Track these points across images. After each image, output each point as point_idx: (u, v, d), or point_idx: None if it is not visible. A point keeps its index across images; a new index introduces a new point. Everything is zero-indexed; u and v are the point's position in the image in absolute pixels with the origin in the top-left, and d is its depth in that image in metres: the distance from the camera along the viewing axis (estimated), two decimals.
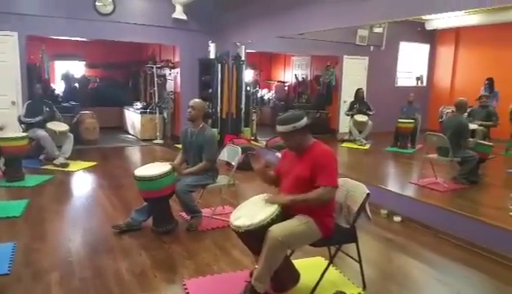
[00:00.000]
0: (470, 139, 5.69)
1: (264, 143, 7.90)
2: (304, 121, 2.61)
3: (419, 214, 4.34)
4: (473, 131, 6.16)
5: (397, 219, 4.43)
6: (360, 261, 2.83)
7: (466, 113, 6.40)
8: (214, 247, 3.61)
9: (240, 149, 4.27)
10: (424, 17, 7.99)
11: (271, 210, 2.50)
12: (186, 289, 2.84)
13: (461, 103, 5.79)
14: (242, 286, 2.62)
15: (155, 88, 9.60)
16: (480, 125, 6.73)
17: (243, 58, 8.19)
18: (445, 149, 5.50)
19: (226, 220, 2.70)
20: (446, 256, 3.61)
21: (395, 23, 8.11)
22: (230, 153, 4.36)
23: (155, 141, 9.21)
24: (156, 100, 9.59)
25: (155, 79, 9.53)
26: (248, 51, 8.28)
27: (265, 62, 12.30)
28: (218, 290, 2.87)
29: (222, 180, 4.17)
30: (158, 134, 9.33)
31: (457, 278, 3.23)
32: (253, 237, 2.47)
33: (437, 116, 8.03)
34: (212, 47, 8.41)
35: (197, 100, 4.14)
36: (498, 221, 3.87)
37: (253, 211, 2.56)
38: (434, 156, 5.77)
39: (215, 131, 7.64)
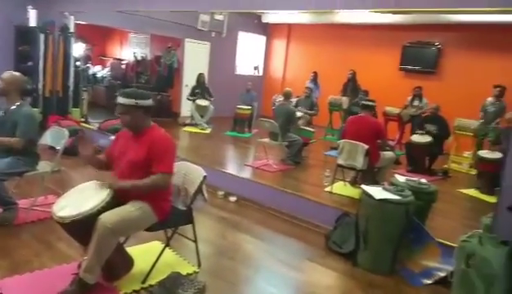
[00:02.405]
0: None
1: (97, 125, 7.31)
2: (149, 102, 2.54)
3: (252, 193, 4.70)
4: (299, 118, 6.95)
5: (233, 199, 4.71)
6: (196, 241, 2.94)
7: (294, 102, 7.18)
8: (35, 241, 3.22)
9: (66, 132, 3.83)
10: (261, 11, 8.54)
11: (100, 197, 2.38)
12: None
13: (287, 93, 6.51)
14: (68, 280, 2.44)
15: None
16: (305, 113, 7.64)
17: (71, 30, 7.31)
18: (276, 134, 6.06)
19: (50, 211, 2.44)
20: (273, 229, 4.03)
21: (235, 13, 8.51)
22: (54, 137, 3.84)
23: None
24: None
25: None
26: (78, 22, 7.42)
27: (99, 36, 11.23)
28: (39, 287, 2.57)
29: (44, 166, 3.65)
30: None
31: (281, 248, 3.65)
32: (82, 227, 2.32)
33: (270, 103, 8.75)
34: (32, 14, 7.18)
35: (9, 72, 3.48)
36: (315, 196, 4.51)
37: (80, 199, 2.40)
38: (267, 140, 6.31)
39: (36, 110, 6.60)
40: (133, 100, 2.46)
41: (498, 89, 6.62)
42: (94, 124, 7.49)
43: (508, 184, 2.84)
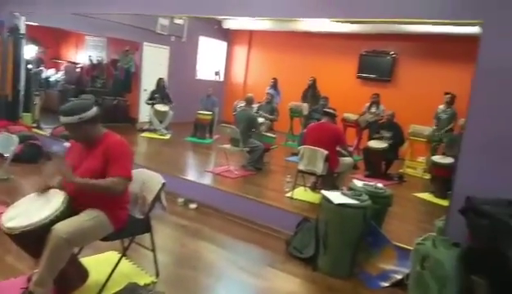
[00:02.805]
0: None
1: (50, 131, 6.97)
2: (93, 111, 2.41)
3: (212, 200, 4.65)
4: (261, 123, 6.97)
5: (193, 206, 4.63)
6: (154, 250, 2.86)
7: (255, 108, 7.20)
8: None
9: (16, 138, 3.66)
10: (219, 17, 8.53)
11: (54, 206, 2.26)
12: None
13: (249, 98, 6.51)
14: None
15: None
16: (265, 118, 7.67)
17: (22, 31, 6.98)
18: (237, 139, 6.04)
19: None
20: (233, 236, 3.99)
21: (195, 17, 8.45)
22: (3, 143, 3.70)
23: None
24: None
25: None
26: (29, 23, 7.07)
27: (52, 38, 10.76)
28: None
29: None
30: None
31: (241, 255, 3.62)
32: (33, 238, 2.19)
33: (231, 109, 8.72)
34: None
35: None
36: (276, 202, 4.53)
37: (32, 209, 2.28)
38: (228, 146, 6.28)
39: None
40: (76, 117, 2.33)
41: (449, 96, 6.94)
42: (47, 130, 7.16)
43: (459, 188, 2.98)
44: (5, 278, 2.71)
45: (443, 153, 6.02)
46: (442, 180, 5.42)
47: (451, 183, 3.14)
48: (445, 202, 4.68)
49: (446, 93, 6.98)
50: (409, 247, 2.99)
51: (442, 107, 7.07)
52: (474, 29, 3.64)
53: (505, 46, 2.83)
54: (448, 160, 5.55)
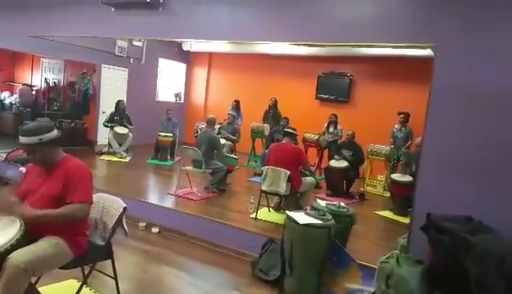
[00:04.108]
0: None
1: (4, 155, 6.67)
2: (54, 133, 2.37)
3: (175, 223, 4.55)
4: (223, 145, 6.96)
5: (155, 230, 4.52)
6: (115, 278, 2.75)
7: (216, 129, 7.19)
8: None
9: None
10: (178, 39, 8.57)
11: (9, 234, 2.16)
12: None
13: (211, 120, 6.51)
14: None
15: None
16: (227, 139, 7.67)
17: None
18: (199, 161, 5.99)
19: None
20: (197, 260, 3.92)
21: (154, 40, 8.44)
22: None
23: None
24: None
25: None
26: None
27: (6, 60, 10.42)
28: None
29: None
30: None
31: (206, 279, 3.55)
32: None
33: (193, 130, 8.67)
34: None
35: None
36: (240, 223, 4.50)
37: None
38: (190, 168, 6.20)
39: None
40: (36, 138, 2.29)
41: (402, 116, 7.24)
42: (1, 154, 6.80)
43: (419, 205, 3.08)
44: None
45: (402, 171, 6.22)
46: (401, 197, 5.58)
47: (410, 200, 3.24)
48: (405, 220, 4.85)
49: (400, 113, 7.28)
50: (373, 266, 3.03)
51: (397, 126, 7.35)
52: (426, 52, 3.87)
53: (458, 67, 2.99)
54: (407, 178, 5.73)
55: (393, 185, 5.94)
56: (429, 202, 2.95)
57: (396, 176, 6.03)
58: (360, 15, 3.56)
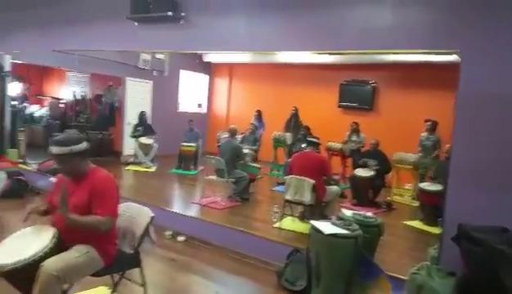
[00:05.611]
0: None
1: (36, 166, 6.93)
2: (84, 145, 2.44)
3: (200, 232, 4.58)
4: (245, 154, 6.98)
5: (181, 238, 4.56)
6: (144, 285, 2.78)
7: (239, 139, 7.23)
8: None
9: (3, 175, 3.62)
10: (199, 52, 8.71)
11: (43, 243, 2.22)
12: None
13: (233, 130, 6.56)
14: None
15: None
16: (250, 149, 7.69)
17: (7, 69, 7.08)
18: (222, 170, 6.02)
19: None
20: (223, 269, 3.92)
21: (176, 52, 8.60)
22: None
23: None
24: None
25: None
26: (14, 61, 7.19)
27: (36, 75, 10.84)
28: None
29: None
30: None
31: (232, 288, 3.55)
32: (22, 275, 2.14)
33: (215, 140, 8.74)
34: None
35: None
36: (264, 233, 4.49)
37: (21, 245, 2.23)
38: (213, 177, 6.24)
39: None
40: (67, 148, 2.36)
41: (429, 123, 7.02)
42: (33, 165, 7.08)
43: (450, 214, 2.98)
44: None
45: (431, 179, 6.01)
46: (430, 207, 5.40)
47: (440, 210, 3.15)
48: (435, 230, 4.69)
49: (427, 120, 7.10)
50: (403, 277, 2.96)
51: (425, 134, 7.12)
52: (452, 58, 3.79)
53: (484, 72, 2.93)
54: (436, 187, 5.50)
55: (422, 194, 5.77)
56: (461, 211, 2.86)
57: (424, 185, 5.84)
58: (379, 23, 3.54)
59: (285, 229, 4.85)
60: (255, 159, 7.80)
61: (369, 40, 3.58)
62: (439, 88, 7.43)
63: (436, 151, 6.86)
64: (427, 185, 5.81)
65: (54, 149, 2.37)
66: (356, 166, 7.02)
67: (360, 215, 3.74)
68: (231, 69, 11.51)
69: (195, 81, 11.57)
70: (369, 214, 3.81)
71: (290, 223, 5.10)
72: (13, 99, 7.52)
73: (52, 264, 2.16)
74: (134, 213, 2.80)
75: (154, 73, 9.88)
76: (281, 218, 5.01)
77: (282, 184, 5.46)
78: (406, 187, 7.20)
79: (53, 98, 10.92)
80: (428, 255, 3.11)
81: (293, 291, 3.43)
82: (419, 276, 2.62)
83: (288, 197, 5.01)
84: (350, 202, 6.34)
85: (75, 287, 2.73)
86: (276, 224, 4.95)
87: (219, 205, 5.80)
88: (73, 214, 2.30)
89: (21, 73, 8.33)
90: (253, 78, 11.10)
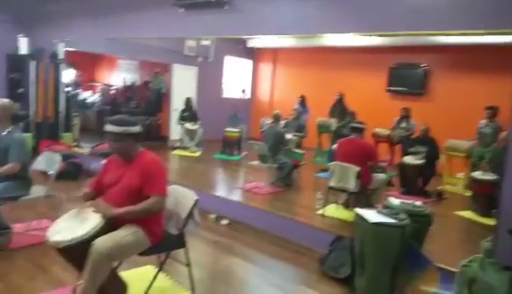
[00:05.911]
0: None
1: (89, 149, 7.29)
2: (138, 128, 2.55)
3: (244, 216, 4.63)
4: (289, 140, 6.93)
5: (225, 222, 4.63)
6: (189, 265, 2.85)
7: (282, 124, 7.18)
8: (30, 265, 3.17)
9: (59, 157, 3.82)
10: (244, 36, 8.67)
11: (94, 222, 2.33)
12: None
13: (276, 115, 6.52)
14: None
15: None
16: (294, 135, 7.62)
17: (61, 56, 7.41)
18: (265, 156, 6.02)
19: (44, 236, 2.40)
20: (266, 253, 3.94)
21: (220, 38, 8.63)
22: (47, 161, 3.84)
23: None
24: None
25: None
26: (67, 49, 7.49)
27: (88, 62, 11.31)
28: None
29: (37, 191, 3.65)
30: None
31: (275, 272, 3.56)
32: (76, 252, 2.27)
33: (259, 126, 8.75)
34: (23, 42, 7.39)
35: None
36: (307, 219, 4.46)
37: (74, 224, 2.36)
38: (256, 162, 6.26)
39: (28, 135, 6.67)
40: (122, 128, 2.46)
41: (490, 110, 6.54)
42: (86, 148, 7.48)
43: (506, 205, 2.81)
44: (52, 287, 2.83)
45: (485, 169, 5.69)
46: (484, 197, 5.12)
47: (494, 200, 2.97)
48: (489, 221, 4.47)
49: (488, 107, 6.56)
50: (453, 269, 2.83)
51: (484, 121, 6.62)
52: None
53: None
54: (490, 176, 5.21)
55: (475, 184, 5.45)
56: None
57: (477, 174, 5.49)
58: (433, 2, 3.32)
59: (328, 216, 4.79)
60: (299, 145, 7.73)
61: (421, 21, 3.39)
62: (498, 71, 6.95)
63: (496, 138, 6.38)
64: (480, 174, 5.48)
65: (109, 128, 2.47)
66: (405, 153, 6.76)
67: (408, 204, 3.59)
68: (274, 54, 11.40)
69: (239, 66, 11.59)
70: (418, 203, 3.65)
71: (334, 210, 5.03)
72: (67, 85, 7.88)
73: (103, 242, 2.26)
74: (179, 196, 2.87)
75: (200, 59, 9.98)
76: (325, 205, 4.95)
77: (326, 170, 5.36)
78: (459, 176, 6.83)
79: (104, 84, 11.38)
80: (482, 247, 2.93)
81: (336, 279, 3.39)
82: (471, 269, 2.49)
83: (332, 183, 4.92)
84: (398, 191, 6.14)
85: (124, 266, 2.88)
86: (320, 211, 4.89)
87: (262, 190, 5.82)
88: (121, 203, 2.41)
89: (74, 60, 8.70)
90: (298, 63, 10.94)
